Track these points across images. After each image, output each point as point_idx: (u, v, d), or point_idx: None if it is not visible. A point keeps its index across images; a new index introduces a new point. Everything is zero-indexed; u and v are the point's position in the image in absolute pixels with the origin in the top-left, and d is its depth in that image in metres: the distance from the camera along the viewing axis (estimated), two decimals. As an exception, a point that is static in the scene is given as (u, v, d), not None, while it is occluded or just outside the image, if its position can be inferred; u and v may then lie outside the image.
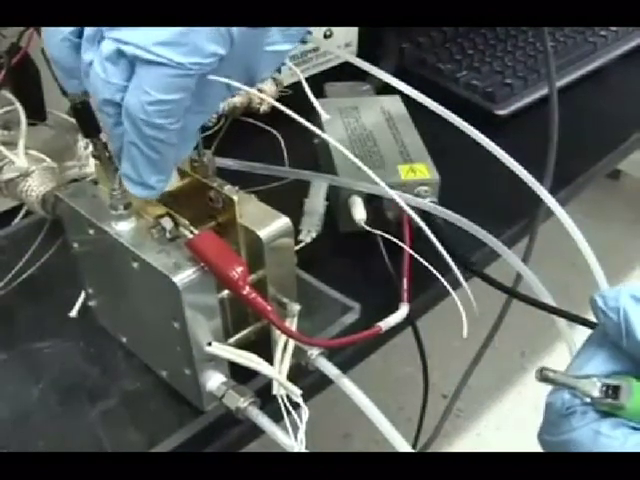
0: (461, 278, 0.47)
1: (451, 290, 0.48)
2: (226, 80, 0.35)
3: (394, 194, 0.42)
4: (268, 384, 0.41)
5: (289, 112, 0.38)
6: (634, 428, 0.30)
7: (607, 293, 0.32)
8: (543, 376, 0.32)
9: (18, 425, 0.44)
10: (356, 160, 0.41)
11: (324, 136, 0.40)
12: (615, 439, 0.30)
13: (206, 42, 0.33)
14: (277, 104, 0.39)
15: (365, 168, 0.41)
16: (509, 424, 1.25)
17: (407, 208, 0.43)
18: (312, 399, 0.46)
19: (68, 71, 0.36)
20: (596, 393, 0.31)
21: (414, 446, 0.65)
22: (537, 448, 0.34)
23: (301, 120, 0.39)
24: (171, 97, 0.33)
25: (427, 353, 0.53)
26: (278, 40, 0.36)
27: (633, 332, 0.30)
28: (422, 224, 0.45)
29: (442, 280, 0.48)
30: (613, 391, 0.31)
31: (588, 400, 0.31)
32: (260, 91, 0.69)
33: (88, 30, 0.34)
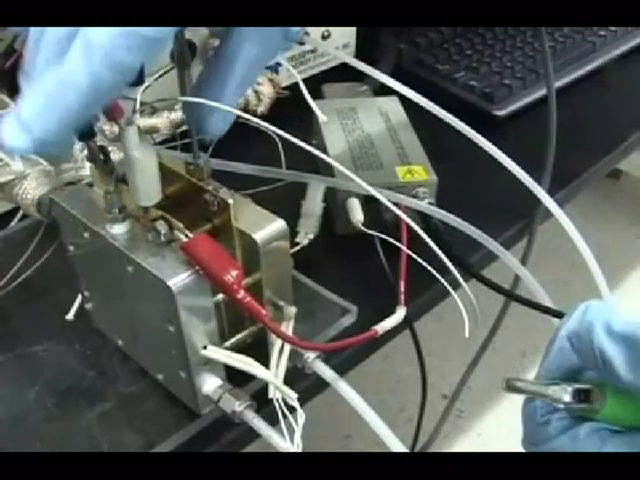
0: (460, 279, 0.47)
1: (452, 291, 0.48)
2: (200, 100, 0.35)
3: (390, 203, 0.42)
4: (264, 387, 0.41)
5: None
6: (611, 431, 0.30)
7: (578, 330, 0.30)
8: (509, 386, 0.31)
9: (14, 427, 0.43)
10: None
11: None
12: (593, 444, 0.29)
13: None
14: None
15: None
16: (510, 424, 1.25)
17: (403, 215, 0.43)
18: (311, 400, 0.45)
19: None
20: (567, 399, 0.30)
21: (413, 447, 0.65)
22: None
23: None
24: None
25: (427, 354, 0.53)
26: None
27: (617, 374, 0.28)
28: (419, 230, 0.44)
29: (442, 281, 0.48)
30: (585, 395, 0.30)
31: (561, 406, 0.31)
32: (257, 92, 0.69)
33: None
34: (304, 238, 0.53)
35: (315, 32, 0.77)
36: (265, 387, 0.41)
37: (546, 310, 0.45)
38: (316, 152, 0.39)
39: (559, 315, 0.44)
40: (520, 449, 0.33)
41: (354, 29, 0.80)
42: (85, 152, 0.42)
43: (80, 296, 0.50)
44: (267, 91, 0.70)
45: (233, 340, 0.43)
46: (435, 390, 1.15)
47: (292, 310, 0.42)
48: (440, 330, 1.07)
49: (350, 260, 0.55)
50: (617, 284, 1.48)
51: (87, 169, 0.54)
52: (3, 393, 0.45)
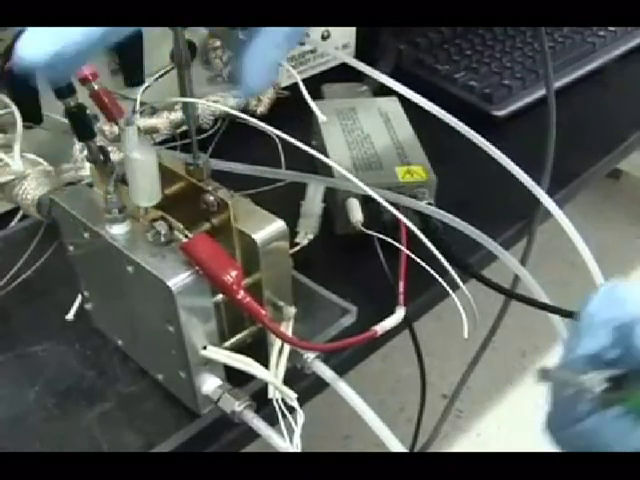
0: (458, 280, 0.47)
1: (451, 292, 0.48)
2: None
3: (391, 206, 0.42)
4: (264, 387, 0.41)
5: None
6: None
7: (617, 317, 0.31)
8: (543, 375, 0.31)
9: (14, 427, 0.43)
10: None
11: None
12: (624, 426, 0.29)
13: None
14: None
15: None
16: (509, 424, 1.25)
17: (402, 217, 0.43)
18: (311, 400, 0.45)
19: None
20: (601, 386, 0.30)
21: (413, 447, 0.65)
22: (538, 448, 0.33)
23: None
24: None
25: (427, 354, 0.53)
26: None
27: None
28: (417, 230, 0.44)
29: (441, 282, 0.48)
30: (616, 383, 0.30)
31: (594, 393, 0.30)
32: (257, 93, 0.69)
33: None
34: (304, 238, 0.53)
35: (315, 32, 0.77)
36: (265, 387, 0.41)
37: (543, 306, 0.46)
38: (314, 152, 0.39)
39: (556, 311, 0.44)
40: (519, 449, 0.33)
41: (354, 29, 0.81)
42: (85, 152, 0.42)
43: (80, 296, 0.50)
44: (267, 91, 0.70)
45: (233, 340, 0.43)
46: (435, 390, 1.15)
47: (292, 310, 0.42)
48: (440, 330, 1.07)
49: (350, 260, 0.55)
50: (617, 284, 1.48)
51: (87, 169, 0.54)
52: (3, 393, 0.45)
